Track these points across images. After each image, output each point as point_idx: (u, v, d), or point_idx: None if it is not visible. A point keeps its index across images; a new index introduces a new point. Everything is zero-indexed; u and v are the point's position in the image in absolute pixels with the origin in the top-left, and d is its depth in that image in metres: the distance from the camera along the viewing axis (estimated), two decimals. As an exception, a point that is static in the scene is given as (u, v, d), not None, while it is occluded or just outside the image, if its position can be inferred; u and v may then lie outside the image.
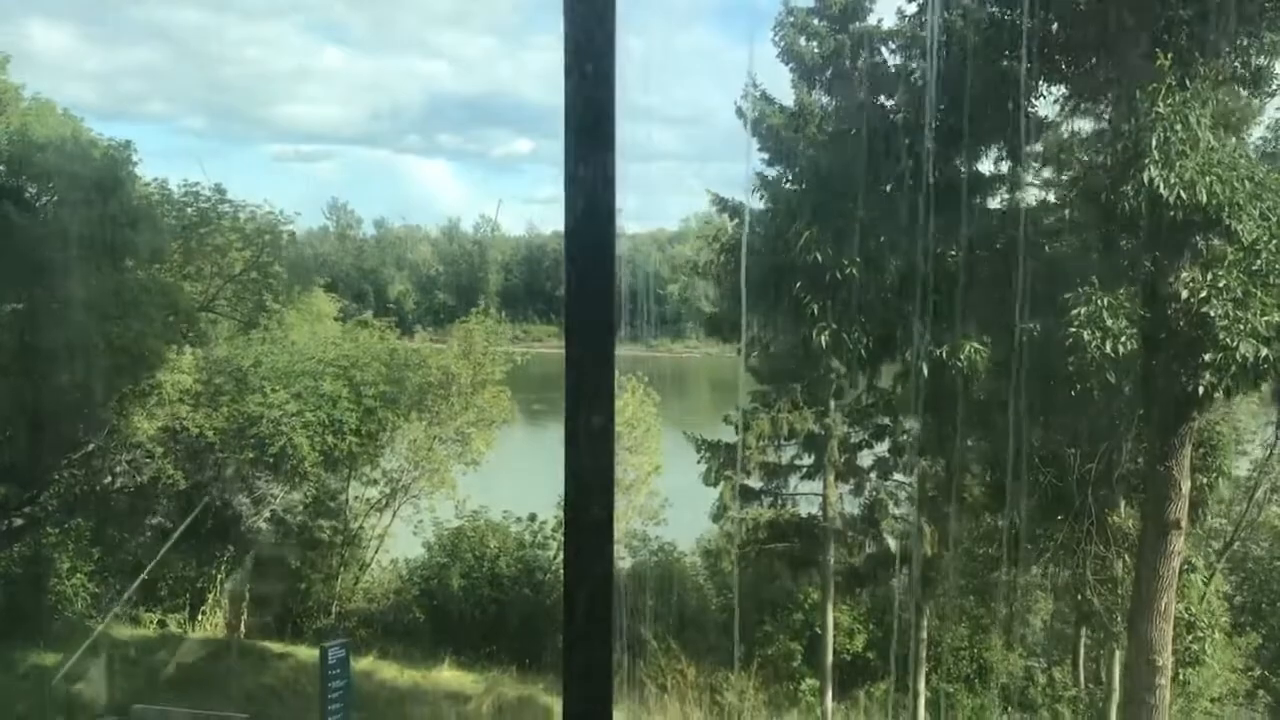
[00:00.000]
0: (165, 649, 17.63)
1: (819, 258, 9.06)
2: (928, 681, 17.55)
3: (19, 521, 19.03)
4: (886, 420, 17.40)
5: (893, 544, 17.87)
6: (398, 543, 24.91)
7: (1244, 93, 9.97)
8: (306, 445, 17.64)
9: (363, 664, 17.86)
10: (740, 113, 15.12)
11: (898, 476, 17.65)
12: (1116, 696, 15.82)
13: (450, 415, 22.83)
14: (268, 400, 17.62)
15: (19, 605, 17.28)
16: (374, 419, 19.01)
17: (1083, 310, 8.11)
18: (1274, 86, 10.20)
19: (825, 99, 14.73)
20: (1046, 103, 10.65)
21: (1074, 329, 8.11)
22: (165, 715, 12.96)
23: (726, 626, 20.01)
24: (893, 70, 13.52)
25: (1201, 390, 7.84)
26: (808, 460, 17.41)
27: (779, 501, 17.67)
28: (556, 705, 16.50)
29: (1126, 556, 10.46)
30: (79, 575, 18.47)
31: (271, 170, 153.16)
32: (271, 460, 17.98)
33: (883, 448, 17.67)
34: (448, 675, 17.93)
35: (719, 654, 18.50)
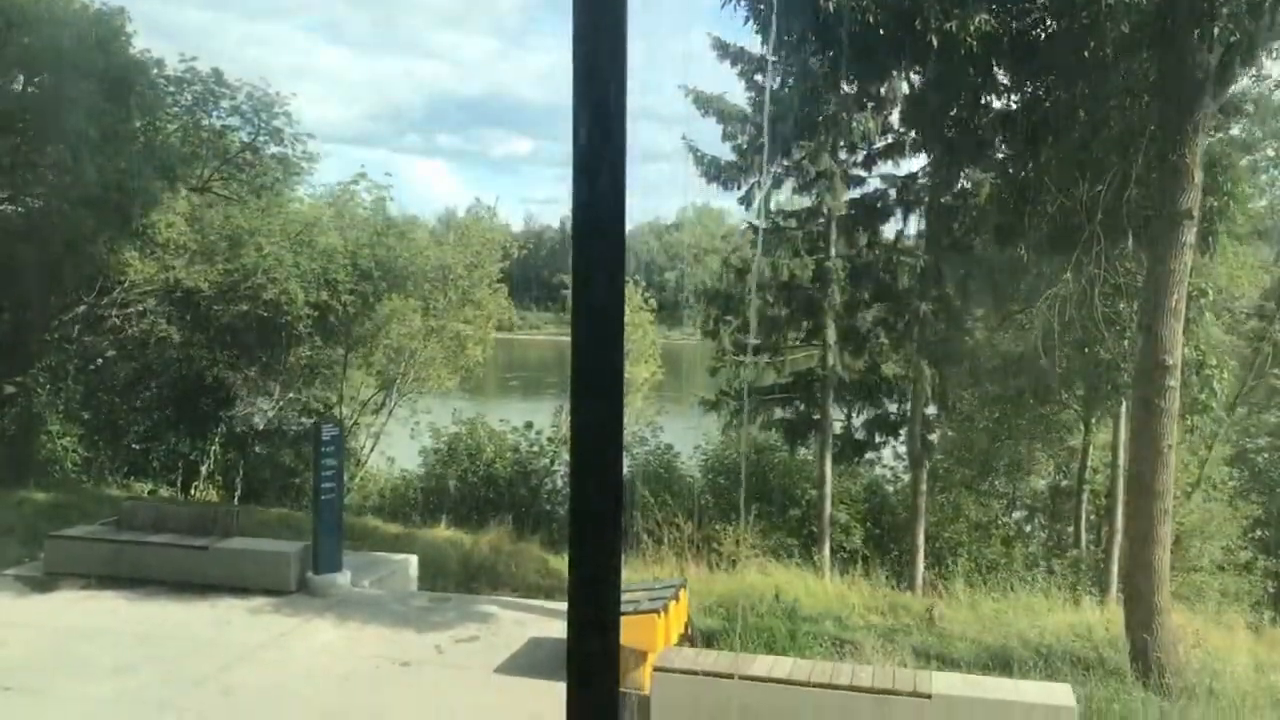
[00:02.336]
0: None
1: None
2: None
3: (10, 389, 18.82)
4: (887, 277, 17.31)
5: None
6: (393, 442, 24.76)
7: None
8: (301, 296, 17.46)
9: (359, 520, 17.72)
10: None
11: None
12: (1119, 539, 15.68)
13: (447, 307, 22.66)
14: (263, 252, 17.44)
15: (8, 455, 17.08)
16: (369, 282, 18.83)
17: (1096, -35, 7.99)
18: None
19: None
20: None
21: (1088, -19, 7.99)
22: (155, 509, 12.74)
23: (723, 506, 19.92)
24: None
25: (1216, 36, 7.68)
26: (807, 316, 17.30)
27: (778, 355, 17.54)
28: (552, 558, 16.30)
29: (1136, 303, 10.27)
30: (68, 437, 18.25)
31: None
32: (265, 315, 17.76)
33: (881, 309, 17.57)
34: (445, 532, 17.77)
35: (715, 518, 18.35)
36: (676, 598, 9.51)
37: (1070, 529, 18.85)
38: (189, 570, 11.61)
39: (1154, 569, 8.86)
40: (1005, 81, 9.56)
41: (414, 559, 13.17)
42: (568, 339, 1.38)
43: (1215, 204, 9.61)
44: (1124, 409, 13.23)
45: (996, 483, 20.92)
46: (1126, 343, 11.60)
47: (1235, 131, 15.37)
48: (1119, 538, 15.47)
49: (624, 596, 9.40)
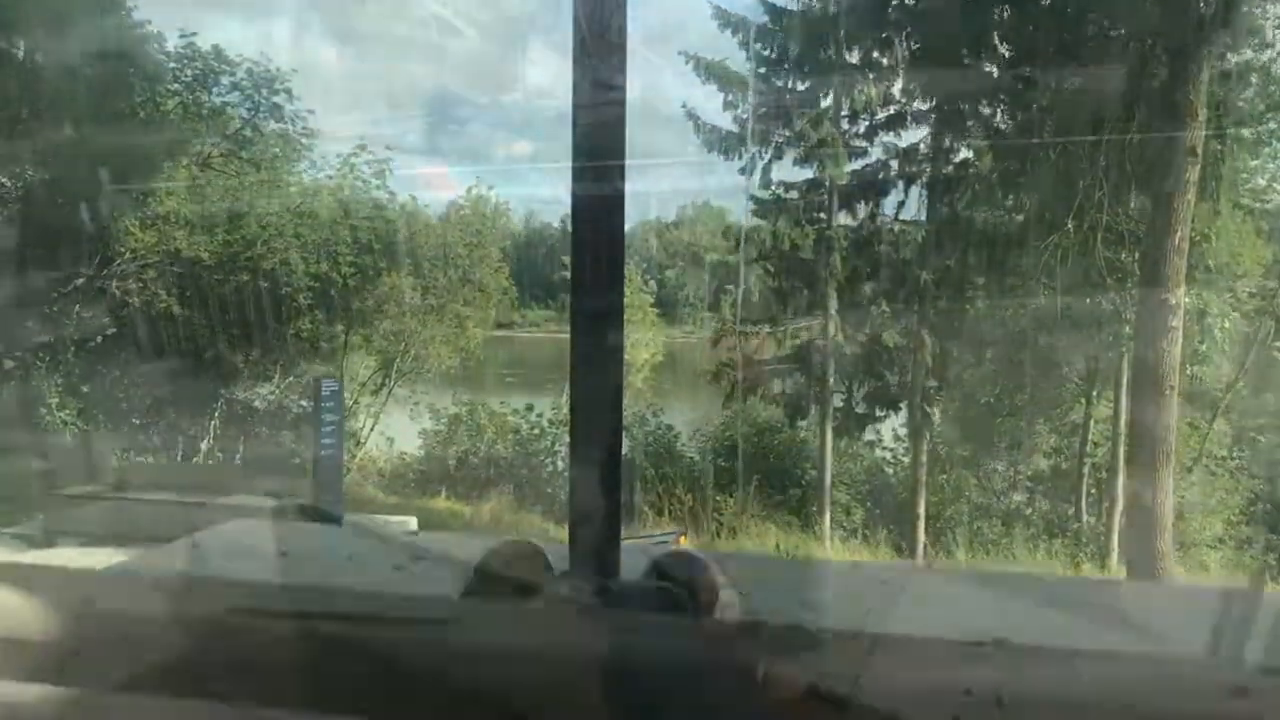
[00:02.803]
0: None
1: None
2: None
3: (10, 364, 18.78)
4: (889, 248, 17.27)
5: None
6: (393, 423, 24.70)
7: None
8: (301, 266, 17.47)
9: (359, 490, 17.70)
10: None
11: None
12: (1120, 506, 15.65)
13: (447, 286, 22.59)
14: (263, 222, 17.44)
15: (8, 420, 17.04)
16: (369, 255, 18.83)
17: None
18: None
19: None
20: None
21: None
22: (154, 468, 12.71)
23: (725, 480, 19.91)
24: None
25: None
26: (807, 287, 17.29)
27: (779, 326, 17.55)
28: (553, 529, 16.29)
29: (1137, 253, 10.25)
30: (67, 410, 18.20)
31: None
32: (265, 285, 17.74)
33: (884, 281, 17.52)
34: (444, 504, 17.78)
35: (718, 491, 18.34)
36: (676, 543, 9.50)
37: (1071, 510, 18.84)
38: (187, 527, 11.56)
39: (1154, 512, 8.82)
40: (1007, 25, 9.54)
41: (413, 519, 13.15)
42: (568, 337, 1.36)
43: (1220, 148, 9.61)
44: (1125, 363, 13.21)
45: (997, 465, 20.91)
46: (1128, 293, 11.59)
47: (1239, 105, 15.34)
48: (1119, 509, 15.43)
49: (624, 544, 9.39)
